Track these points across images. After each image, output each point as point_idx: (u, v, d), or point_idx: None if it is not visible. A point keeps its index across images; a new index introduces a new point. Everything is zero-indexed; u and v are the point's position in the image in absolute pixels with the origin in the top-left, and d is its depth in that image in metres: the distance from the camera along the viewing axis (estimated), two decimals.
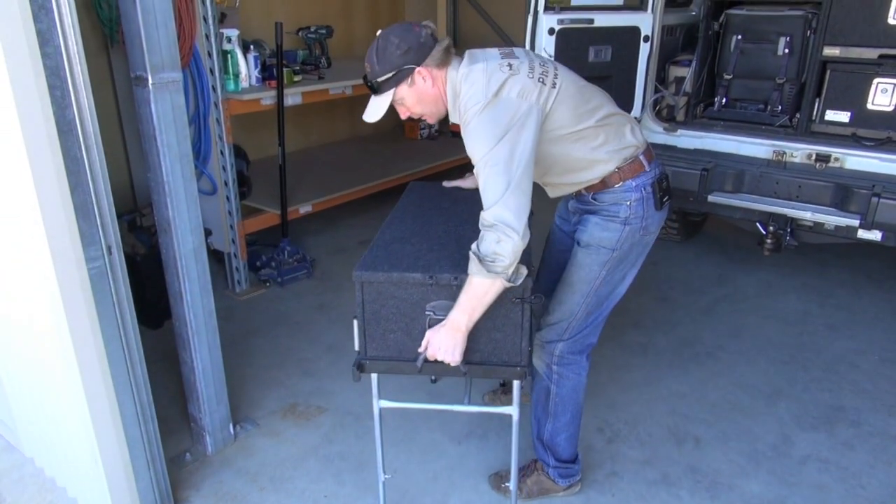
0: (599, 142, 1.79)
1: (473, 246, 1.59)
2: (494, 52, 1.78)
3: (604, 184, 1.84)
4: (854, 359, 2.98)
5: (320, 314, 3.35)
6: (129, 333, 1.86)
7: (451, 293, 1.65)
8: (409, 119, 1.87)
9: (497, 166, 1.57)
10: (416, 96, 1.75)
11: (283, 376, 2.83)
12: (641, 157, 1.84)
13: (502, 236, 1.54)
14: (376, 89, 1.74)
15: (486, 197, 1.59)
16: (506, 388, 2.60)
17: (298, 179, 4.10)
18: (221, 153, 3.25)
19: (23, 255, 1.72)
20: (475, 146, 1.62)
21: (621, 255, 1.87)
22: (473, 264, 1.57)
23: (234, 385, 2.59)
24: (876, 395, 2.72)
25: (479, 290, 1.59)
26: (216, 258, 3.52)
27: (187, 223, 2.06)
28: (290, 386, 2.77)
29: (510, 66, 1.69)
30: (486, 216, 1.58)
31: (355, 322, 1.73)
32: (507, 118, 1.61)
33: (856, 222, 2.87)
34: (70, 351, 1.73)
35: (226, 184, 3.31)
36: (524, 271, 1.63)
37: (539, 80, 1.69)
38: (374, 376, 1.83)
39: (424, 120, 1.87)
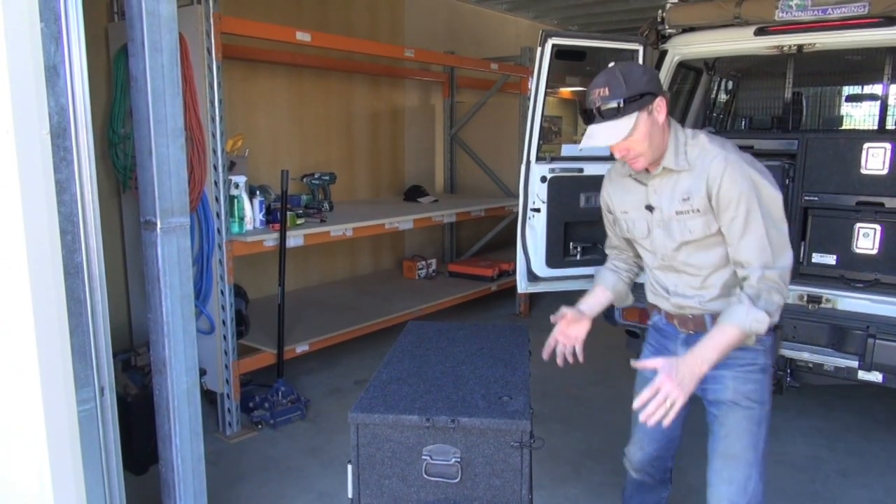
0: None
1: (746, 300, 1.62)
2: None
3: None
4: None
5: (312, 459, 3.22)
6: (114, 481, 1.79)
7: (448, 436, 1.61)
8: (622, 157, 1.76)
9: (765, 237, 1.65)
10: (649, 126, 1.67)
11: None
12: None
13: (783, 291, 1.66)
14: (619, 111, 1.64)
15: (767, 256, 1.65)
16: None
17: (296, 318, 4.12)
18: (222, 293, 3.29)
19: (12, 393, 1.69)
20: (741, 195, 1.65)
21: (771, 405, 1.78)
22: (750, 313, 1.61)
23: None
24: None
25: (742, 337, 1.64)
26: (208, 398, 3.44)
27: (183, 363, 2.05)
28: None
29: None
30: (772, 275, 1.63)
31: (349, 467, 1.67)
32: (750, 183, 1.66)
33: (855, 363, 2.86)
34: (49, 498, 1.65)
35: (224, 323, 3.32)
36: None
37: None
38: None
39: (632, 163, 1.75)
